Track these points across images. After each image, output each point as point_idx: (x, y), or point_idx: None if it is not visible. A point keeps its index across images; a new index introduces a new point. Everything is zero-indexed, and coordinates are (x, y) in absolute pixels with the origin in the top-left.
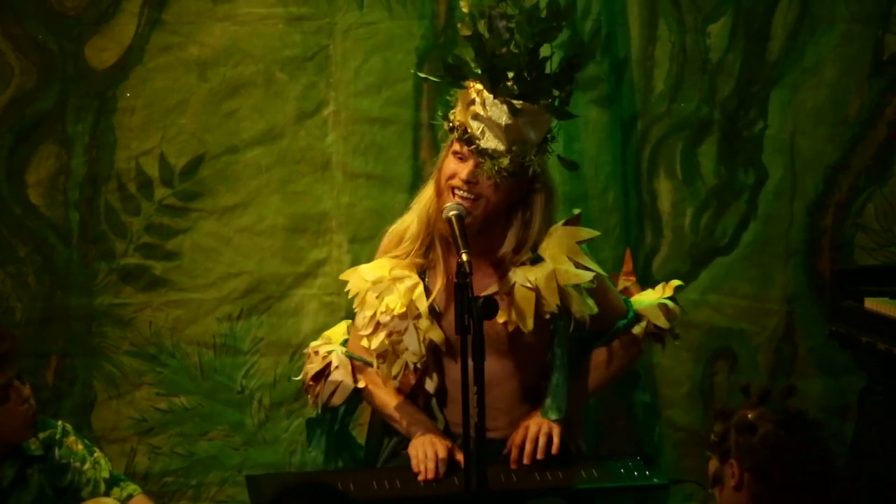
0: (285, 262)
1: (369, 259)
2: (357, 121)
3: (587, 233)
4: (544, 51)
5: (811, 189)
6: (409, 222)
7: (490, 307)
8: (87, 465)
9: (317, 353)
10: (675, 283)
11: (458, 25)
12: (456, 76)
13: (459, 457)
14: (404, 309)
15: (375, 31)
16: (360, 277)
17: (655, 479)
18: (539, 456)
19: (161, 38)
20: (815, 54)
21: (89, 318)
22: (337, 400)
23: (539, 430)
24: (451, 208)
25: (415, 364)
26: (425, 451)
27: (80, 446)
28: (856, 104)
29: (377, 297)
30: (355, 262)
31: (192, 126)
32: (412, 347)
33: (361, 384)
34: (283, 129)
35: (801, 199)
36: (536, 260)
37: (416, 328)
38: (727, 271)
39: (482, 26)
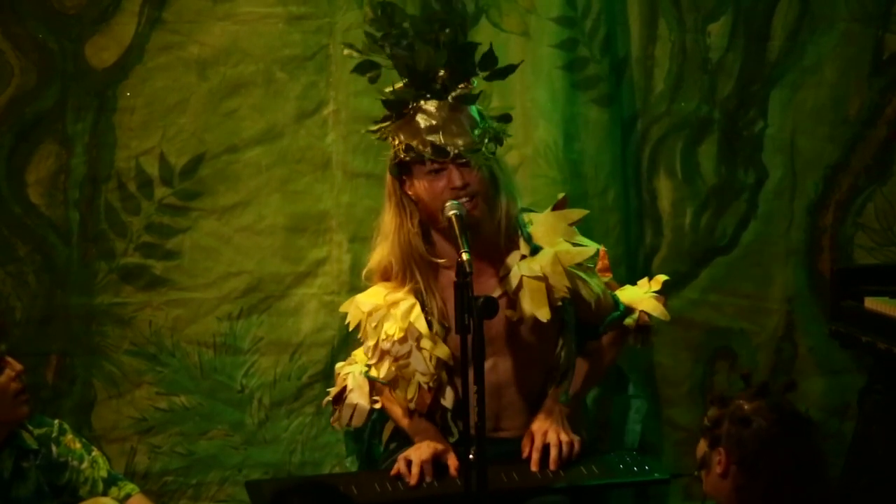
0: (285, 262)
1: (369, 257)
2: (357, 120)
3: (577, 213)
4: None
5: (811, 188)
6: (386, 258)
7: (490, 306)
8: (84, 464)
9: (338, 374)
10: (662, 277)
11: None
12: (398, 107)
13: (452, 462)
14: (403, 333)
15: None
16: (357, 308)
17: (656, 474)
18: (556, 466)
19: (161, 38)
20: (815, 54)
21: (89, 318)
22: (356, 422)
23: (559, 440)
24: (451, 207)
25: (427, 384)
26: (408, 455)
27: (78, 445)
28: (856, 103)
29: (374, 328)
30: (355, 261)
31: (192, 125)
32: (421, 368)
33: (378, 404)
34: (283, 129)
35: (801, 198)
36: (535, 251)
37: (421, 349)
38: (727, 271)
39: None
